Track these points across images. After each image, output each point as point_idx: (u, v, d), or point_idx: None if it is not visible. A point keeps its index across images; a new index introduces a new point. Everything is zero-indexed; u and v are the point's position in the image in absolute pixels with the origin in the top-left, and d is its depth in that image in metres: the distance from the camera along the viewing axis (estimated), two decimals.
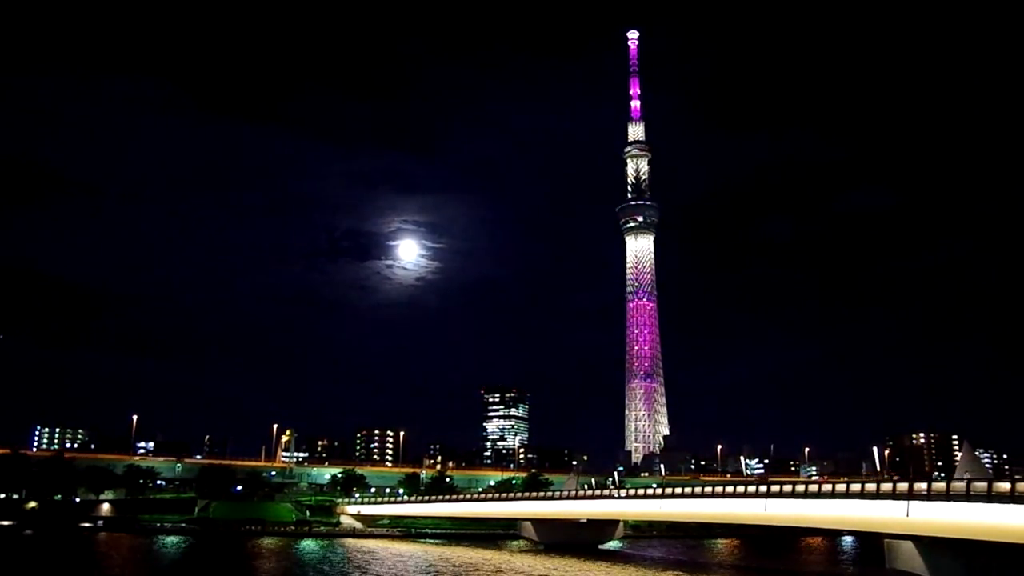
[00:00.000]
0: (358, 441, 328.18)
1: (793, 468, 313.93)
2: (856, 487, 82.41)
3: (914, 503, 71.16)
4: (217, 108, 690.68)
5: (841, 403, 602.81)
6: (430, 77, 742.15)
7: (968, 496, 65.17)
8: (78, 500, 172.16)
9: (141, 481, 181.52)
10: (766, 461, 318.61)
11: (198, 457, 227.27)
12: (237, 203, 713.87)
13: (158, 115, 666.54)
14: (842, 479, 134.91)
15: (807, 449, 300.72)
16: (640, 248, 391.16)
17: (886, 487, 77.30)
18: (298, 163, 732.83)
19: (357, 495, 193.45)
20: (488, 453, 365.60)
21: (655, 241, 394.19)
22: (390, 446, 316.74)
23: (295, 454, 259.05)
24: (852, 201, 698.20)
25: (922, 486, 72.34)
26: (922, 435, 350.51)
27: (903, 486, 75.43)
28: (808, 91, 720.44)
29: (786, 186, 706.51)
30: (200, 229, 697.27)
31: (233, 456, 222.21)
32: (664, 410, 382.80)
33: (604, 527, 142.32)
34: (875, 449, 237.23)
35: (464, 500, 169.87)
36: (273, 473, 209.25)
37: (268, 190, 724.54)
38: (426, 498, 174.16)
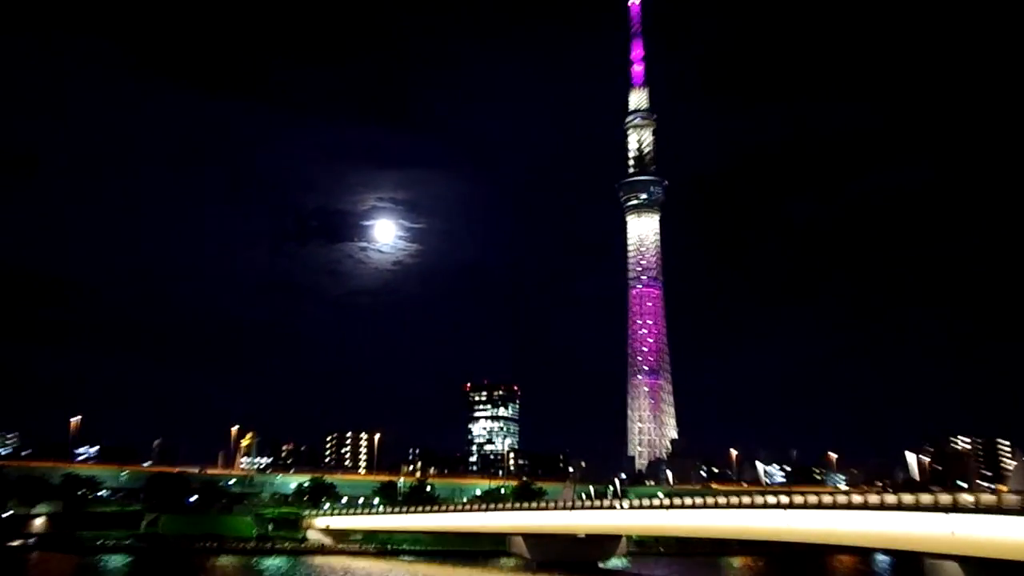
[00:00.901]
0: (328, 445, 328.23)
1: (818, 477, 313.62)
2: (891, 498, 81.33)
3: (959, 517, 69.91)
4: (173, 75, 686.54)
5: (872, 404, 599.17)
6: (410, 39, 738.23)
7: (1023, 510, 63.69)
8: (8, 515, 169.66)
9: (81, 492, 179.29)
10: (787, 469, 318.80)
11: (146, 464, 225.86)
12: (195, 180, 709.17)
13: (106, 83, 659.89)
14: (875, 489, 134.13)
15: (834, 455, 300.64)
16: (644, 228, 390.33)
17: (926, 499, 76.20)
18: (263, 136, 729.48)
19: (327, 506, 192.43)
20: (474, 459, 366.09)
21: (660, 221, 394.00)
22: (364, 451, 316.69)
23: (257, 460, 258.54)
24: (882, 177, 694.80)
25: (968, 498, 71.21)
26: (966, 440, 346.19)
27: (946, 498, 74.45)
28: (832, 53, 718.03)
29: (808, 160, 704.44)
30: (153, 209, 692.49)
31: (186, 463, 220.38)
32: (671, 411, 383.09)
33: (604, 543, 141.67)
34: (912, 456, 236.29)
35: (447, 512, 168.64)
36: (232, 482, 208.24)
37: (229, 166, 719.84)
38: (404, 510, 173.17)
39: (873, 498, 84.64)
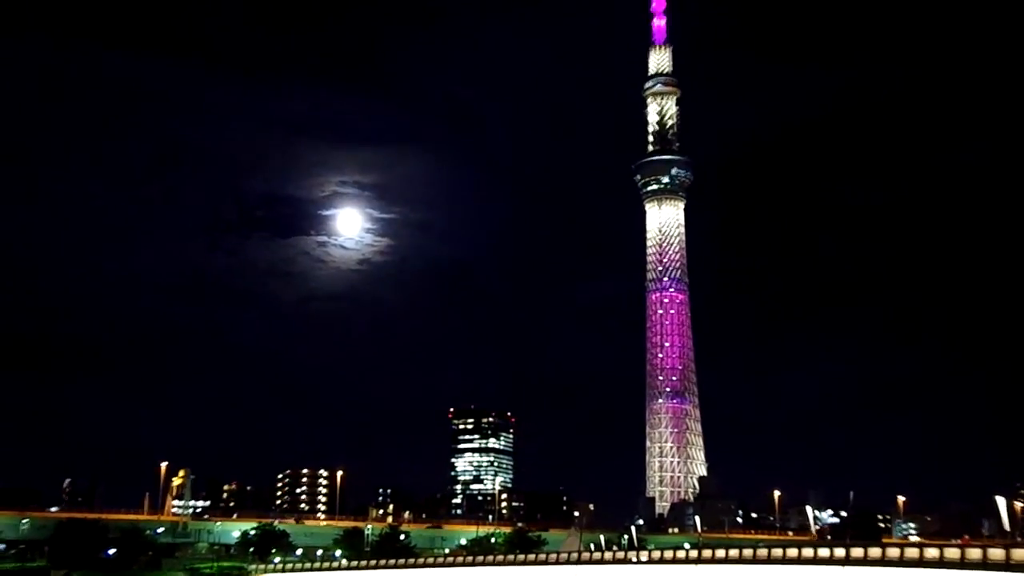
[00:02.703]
0: (280, 485, 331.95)
1: (883, 525, 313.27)
2: (975, 553, 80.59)
3: None
4: (81, 28, 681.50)
5: (950, 434, 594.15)
6: None
7: None
8: None
9: None
10: (843, 514, 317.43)
11: (53, 510, 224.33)
12: (109, 158, 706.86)
13: None
14: (955, 541, 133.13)
15: (902, 499, 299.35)
16: (666, 219, 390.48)
17: (1020, 554, 75.04)
18: (195, 103, 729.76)
19: (277, 560, 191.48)
20: (458, 500, 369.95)
21: (686, 210, 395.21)
22: (323, 492, 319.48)
23: (192, 503, 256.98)
24: (963, 156, 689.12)
25: None
26: None
27: None
28: (903, 3, 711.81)
29: (871, 135, 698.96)
30: (56, 193, 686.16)
31: (104, 508, 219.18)
32: (699, 441, 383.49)
33: None
34: (1001, 500, 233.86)
35: (425, 565, 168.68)
36: (160, 530, 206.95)
37: (153, 140, 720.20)
38: (373, 563, 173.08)
39: (951, 551, 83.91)
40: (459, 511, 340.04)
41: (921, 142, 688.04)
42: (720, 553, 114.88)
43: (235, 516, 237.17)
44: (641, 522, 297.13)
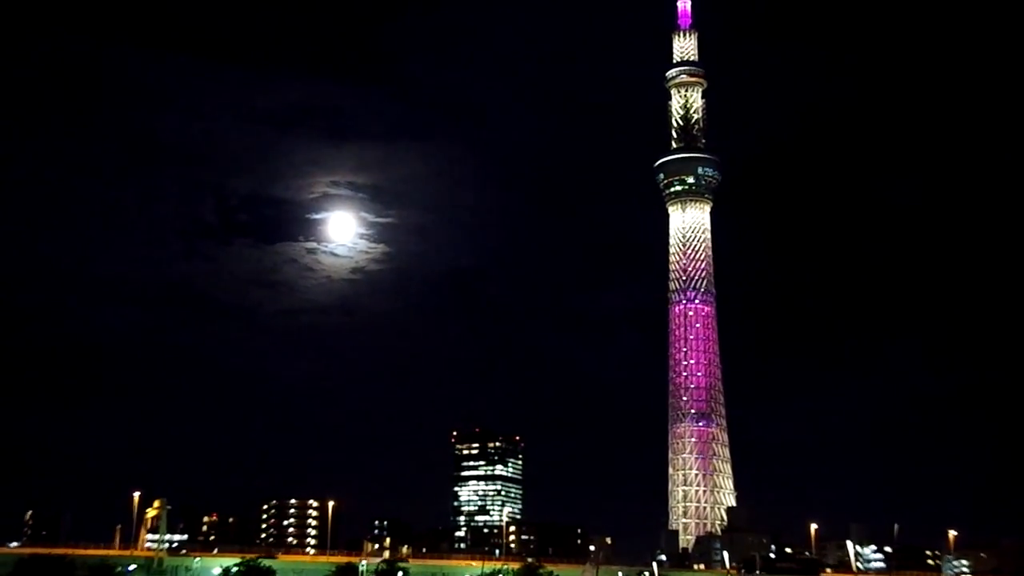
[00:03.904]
0: (265, 517, 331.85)
1: (932, 562, 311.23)
2: None
3: None
4: (40, 9, 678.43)
5: (1006, 461, 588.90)
6: None
7: None
8: None
9: None
10: (888, 550, 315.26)
11: (14, 545, 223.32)
12: (75, 153, 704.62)
13: None
14: None
15: (953, 533, 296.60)
16: (690, 223, 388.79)
17: None
18: (171, 94, 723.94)
19: None
20: (462, 532, 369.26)
21: (713, 213, 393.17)
22: (313, 524, 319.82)
23: (168, 537, 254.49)
24: (1017, 149, 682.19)
25: None
26: None
27: None
28: None
29: (915, 127, 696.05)
30: (15, 193, 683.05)
31: (71, 542, 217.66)
32: (728, 468, 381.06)
33: None
34: None
35: None
36: (133, 567, 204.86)
37: (124, 134, 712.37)
38: None
39: None
40: (463, 545, 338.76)
41: (973, 136, 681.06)
42: None
43: (216, 551, 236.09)
44: (664, 557, 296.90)
